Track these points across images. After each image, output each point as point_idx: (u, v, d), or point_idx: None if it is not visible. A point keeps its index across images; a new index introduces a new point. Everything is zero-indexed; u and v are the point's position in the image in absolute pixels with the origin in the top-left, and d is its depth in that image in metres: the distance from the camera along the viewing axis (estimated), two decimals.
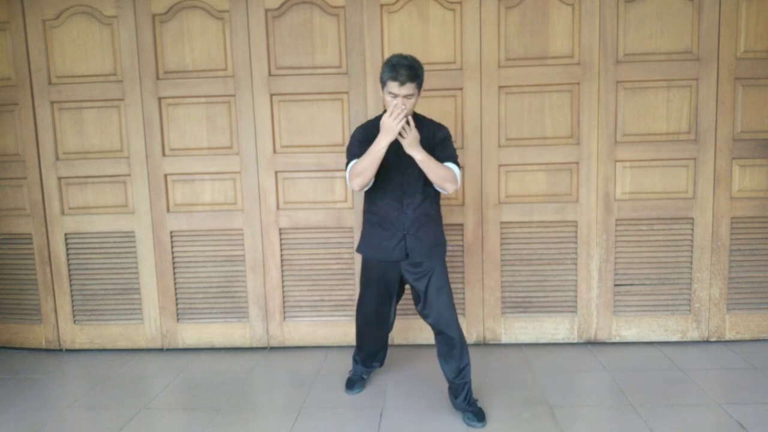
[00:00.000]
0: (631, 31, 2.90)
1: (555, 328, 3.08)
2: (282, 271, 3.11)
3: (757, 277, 3.02)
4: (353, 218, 3.04)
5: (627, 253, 3.02)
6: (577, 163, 2.98)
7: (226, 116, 3.04)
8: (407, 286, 2.57)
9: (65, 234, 3.15)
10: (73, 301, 3.19)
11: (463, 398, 2.32)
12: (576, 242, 3.02)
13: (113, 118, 3.08)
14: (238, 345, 3.18)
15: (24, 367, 3.03)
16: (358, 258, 3.03)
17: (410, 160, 2.19)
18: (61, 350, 3.24)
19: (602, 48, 2.90)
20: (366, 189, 2.26)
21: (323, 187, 3.06)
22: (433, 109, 2.94)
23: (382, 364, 2.70)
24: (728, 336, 3.06)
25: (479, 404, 2.36)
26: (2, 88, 3.10)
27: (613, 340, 3.08)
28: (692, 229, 3.00)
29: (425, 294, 2.31)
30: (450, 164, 2.24)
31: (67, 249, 3.16)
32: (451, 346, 2.32)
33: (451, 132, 2.91)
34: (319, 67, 2.99)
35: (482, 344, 3.11)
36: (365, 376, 2.65)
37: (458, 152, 2.95)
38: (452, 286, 2.89)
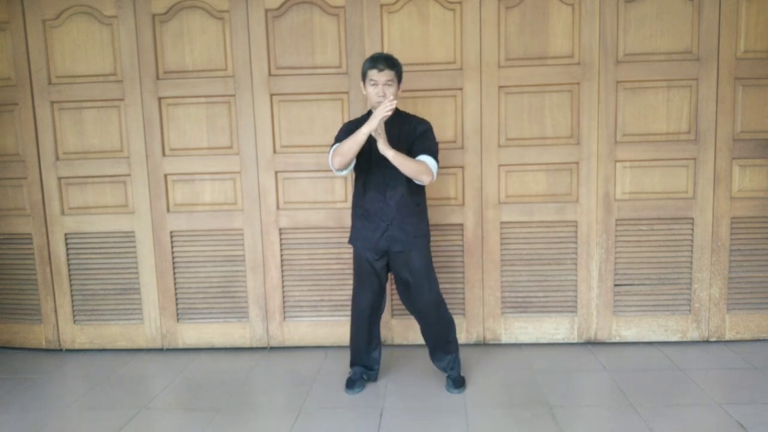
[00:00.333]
0: (631, 31, 2.90)
1: (555, 328, 3.08)
2: (282, 271, 3.11)
3: (757, 277, 3.02)
4: None
5: (627, 253, 3.02)
6: (577, 163, 2.98)
7: (226, 116, 3.04)
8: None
9: (65, 234, 3.15)
10: (73, 301, 3.19)
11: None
12: (576, 242, 3.02)
13: (113, 118, 3.08)
14: (238, 345, 3.18)
15: (24, 367, 3.03)
16: None
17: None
18: (61, 350, 3.24)
19: (602, 48, 2.90)
20: (344, 172, 2.42)
21: (323, 187, 3.07)
22: (433, 109, 2.95)
23: (378, 366, 2.70)
24: (728, 336, 3.06)
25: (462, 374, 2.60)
26: (2, 88, 3.10)
27: (613, 340, 3.09)
28: (692, 229, 3.00)
29: (408, 282, 2.49)
30: (424, 156, 2.36)
31: (67, 249, 3.16)
32: (436, 335, 2.56)
33: (451, 132, 2.95)
34: (319, 67, 2.99)
35: (482, 344, 3.11)
36: (365, 376, 2.65)
37: (458, 152, 2.97)
38: (452, 286, 2.92)
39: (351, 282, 3.06)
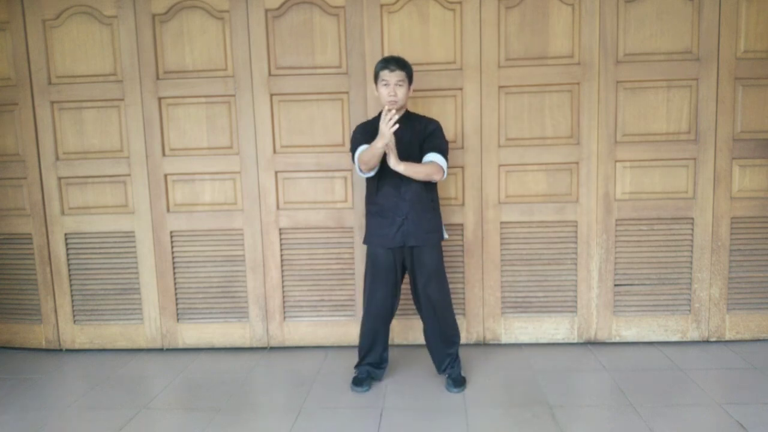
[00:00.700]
0: (631, 31, 2.90)
1: (555, 328, 3.08)
2: (282, 271, 3.11)
3: (757, 277, 3.02)
4: (353, 218, 3.04)
5: (627, 253, 3.02)
6: (577, 163, 2.98)
7: (226, 116, 3.04)
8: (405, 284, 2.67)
9: (65, 234, 3.15)
10: (73, 301, 3.19)
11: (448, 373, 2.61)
12: (576, 242, 3.02)
13: (113, 118, 3.08)
14: (238, 345, 3.18)
15: (24, 367, 3.03)
16: (358, 258, 3.03)
17: (406, 151, 2.44)
18: (61, 350, 3.24)
19: (602, 48, 2.90)
20: (372, 174, 2.48)
21: (323, 187, 3.07)
22: (433, 109, 2.95)
23: (386, 366, 2.69)
24: (728, 336, 3.06)
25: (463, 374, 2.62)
26: (2, 88, 3.10)
27: (613, 340, 3.09)
28: (692, 229, 3.00)
29: (420, 279, 2.52)
30: (433, 155, 2.45)
31: (67, 249, 3.16)
32: (440, 335, 2.58)
33: (451, 132, 2.96)
34: (319, 67, 2.99)
35: (482, 344, 3.11)
36: (372, 375, 2.65)
37: (458, 152, 2.97)
38: (452, 286, 2.90)
39: (351, 282, 3.08)
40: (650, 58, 2.91)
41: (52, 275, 3.18)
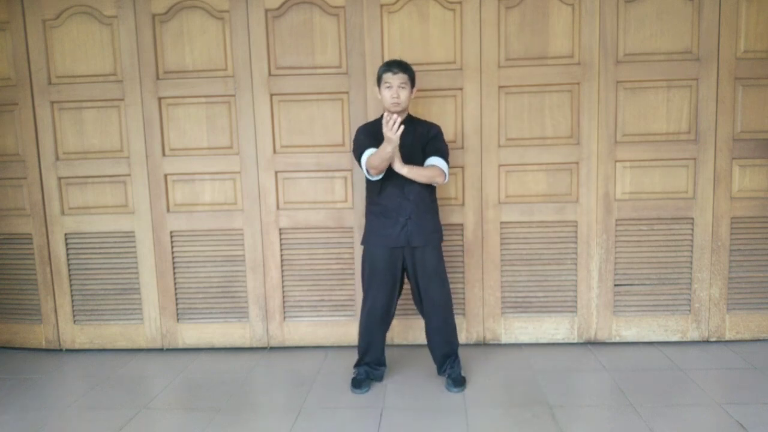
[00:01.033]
0: (631, 31, 2.90)
1: (555, 328, 3.08)
2: (282, 271, 3.11)
3: (757, 277, 3.02)
4: (353, 218, 3.04)
5: (627, 253, 3.02)
6: (577, 163, 2.98)
7: (226, 116, 3.04)
8: (405, 285, 2.68)
9: (65, 234, 3.15)
10: (73, 301, 3.19)
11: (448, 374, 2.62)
12: (576, 242, 3.02)
13: (113, 118, 3.08)
14: (238, 345, 3.18)
15: (24, 367, 3.03)
16: (358, 258, 3.03)
17: (409, 154, 2.46)
18: (61, 350, 3.24)
19: (602, 48, 2.90)
20: (380, 177, 2.48)
21: (323, 187, 3.07)
22: (433, 109, 2.95)
23: (385, 367, 2.70)
24: (728, 336, 3.06)
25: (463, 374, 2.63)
26: (2, 88, 3.10)
27: (613, 340, 3.09)
28: (692, 229, 3.00)
29: (421, 280, 2.53)
30: (435, 159, 2.49)
31: (67, 249, 3.16)
32: (440, 336, 2.59)
33: (451, 132, 2.96)
34: (319, 67, 2.99)
35: (482, 344, 3.11)
36: (371, 377, 2.66)
37: (458, 152, 2.97)
38: (452, 286, 2.90)
39: (351, 282, 3.08)
40: (650, 58, 2.91)
41: (52, 275, 3.18)
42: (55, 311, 3.21)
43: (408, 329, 3.11)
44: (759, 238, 3.00)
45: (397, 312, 2.68)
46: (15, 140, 3.13)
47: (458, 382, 2.56)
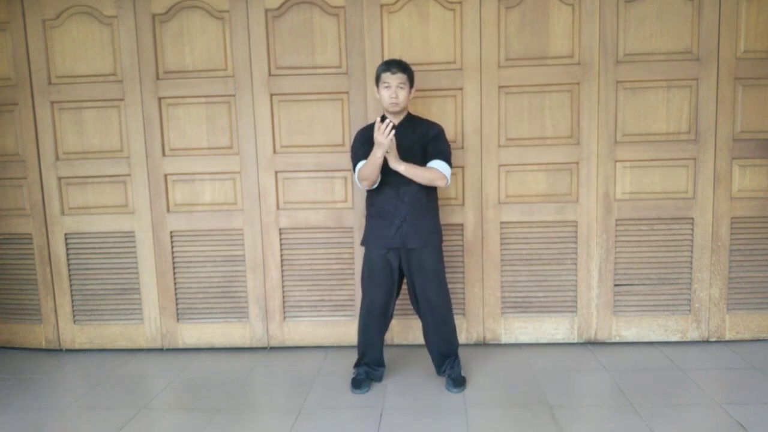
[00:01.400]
0: (631, 31, 2.90)
1: (555, 328, 3.08)
2: (282, 271, 3.11)
3: (757, 277, 3.02)
4: (353, 218, 3.04)
5: (627, 253, 3.02)
6: (577, 163, 2.98)
7: (226, 116, 3.04)
8: (404, 287, 2.68)
9: (65, 234, 3.15)
10: (73, 301, 3.19)
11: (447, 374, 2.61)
12: (576, 242, 3.02)
13: (113, 118, 3.08)
14: (238, 345, 3.18)
15: (24, 367, 3.03)
16: (358, 258, 3.03)
17: (408, 154, 2.44)
18: (61, 350, 3.24)
19: (602, 48, 2.90)
20: (374, 186, 2.48)
21: (323, 187, 3.07)
22: (433, 109, 2.95)
23: (384, 368, 2.70)
24: (728, 336, 3.06)
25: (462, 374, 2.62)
26: (2, 88, 3.10)
27: (613, 340, 3.09)
28: (692, 229, 3.00)
29: (418, 281, 2.52)
30: (437, 161, 2.46)
31: (67, 249, 3.16)
32: (439, 337, 2.57)
33: (451, 132, 2.95)
34: (319, 67, 2.99)
35: (482, 344, 3.11)
36: (371, 377, 2.65)
37: (458, 152, 2.97)
38: (452, 286, 2.91)
39: (351, 282, 3.08)
40: (650, 58, 2.91)
41: (52, 275, 3.18)
42: (55, 311, 3.21)
43: (408, 329, 3.11)
44: (759, 238, 3.00)
45: (396, 312, 2.68)
46: (15, 140, 3.13)
47: (458, 382, 2.55)
